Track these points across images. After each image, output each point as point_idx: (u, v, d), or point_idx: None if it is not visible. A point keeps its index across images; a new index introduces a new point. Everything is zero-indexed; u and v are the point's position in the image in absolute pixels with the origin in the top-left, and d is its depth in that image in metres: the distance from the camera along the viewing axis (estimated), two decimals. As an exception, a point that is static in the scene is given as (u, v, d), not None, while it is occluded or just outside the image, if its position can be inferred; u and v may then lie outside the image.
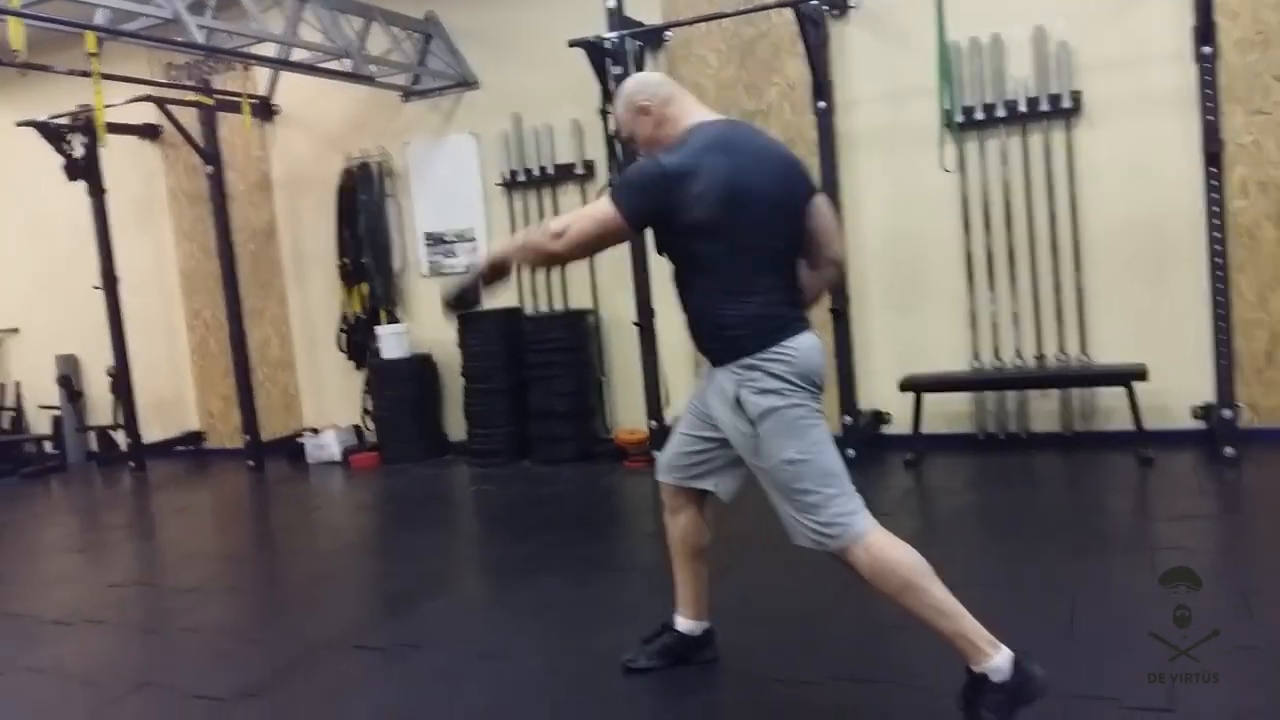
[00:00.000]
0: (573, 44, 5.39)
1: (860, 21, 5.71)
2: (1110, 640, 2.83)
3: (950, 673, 2.39)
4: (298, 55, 5.95)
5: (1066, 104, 5.26)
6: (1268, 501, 4.33)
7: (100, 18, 4.70)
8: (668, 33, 6.03)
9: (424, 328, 6.91)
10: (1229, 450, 4.72)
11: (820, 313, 5.77)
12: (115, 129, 7.16)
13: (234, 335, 7.05)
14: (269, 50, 5.91)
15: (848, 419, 5.41)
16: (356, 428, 7.13)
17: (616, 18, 5.63)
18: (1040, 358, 5.46)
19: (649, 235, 2.56)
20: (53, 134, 6.93)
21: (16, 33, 4.02)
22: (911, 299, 5.73)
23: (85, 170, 7.10)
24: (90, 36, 4.57)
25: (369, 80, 6.26)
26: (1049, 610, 3.09)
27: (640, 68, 5.87)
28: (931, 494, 4.87)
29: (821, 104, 5.36)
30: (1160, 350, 5.19)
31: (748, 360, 2.41)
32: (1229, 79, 5.00)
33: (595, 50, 5.40)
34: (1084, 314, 5.38)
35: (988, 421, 5.65)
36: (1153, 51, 5.11)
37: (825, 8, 5.62)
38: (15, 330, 8.39)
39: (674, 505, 2.80)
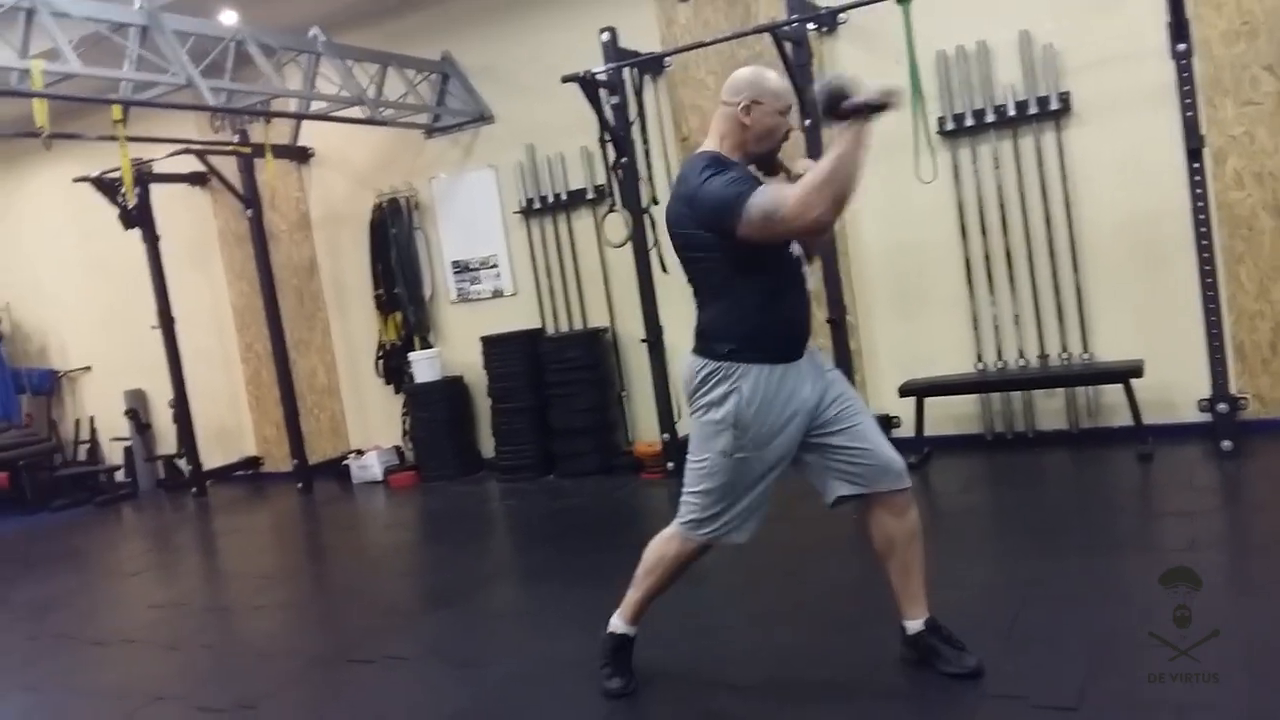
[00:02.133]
0: (566, 79, 5.62)
1: (850, 37, 5.83)
2: (1042, 640, 2.92)
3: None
4: (320, 104, 6.33)
5: (1055, 105, 5.31)
6: (1258, 496, 4.32)
7: (124, 86, 5.11)
8: (668, 59, 6.22)
9: (455, 351, 7.23)
10: (1226, 444, 4.71)
11: (818, 322, 5.95)
12: (167, 178, 7.69)
13: (279, 366, 7.48)
14: (291, 101, 6.30)
15: (849, 426, 5.51)
16: (397, 448, 7.49)
17: (611, 50, 5.87)
18: (1043, 357, 5.50)
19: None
20: (107, 187, 7.44)
21: (40, 111, 4.43)
22: (914, 305, 5.82)
23: (139, 218, 7.61)
24: (115, 108, 4.96)
25: (383, 123, 6.58)
26: (994, 609, 3.20)
27: (639, 95, 6.10)
28: (928, 495, 4.95)
29: (807, 121, 5.49)
30: (1164, 345, 5.19)
31: None
32: (1216, 71, 5.00)
33: (588, 84, 5.63)
34: (1084, 312, 5.41)
35: (995, 422, 5.70)
36: (1139, 48, 5.11)
37: (812, 26, 5.76)
38: (88, 368, 9.00)
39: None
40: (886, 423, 5.89)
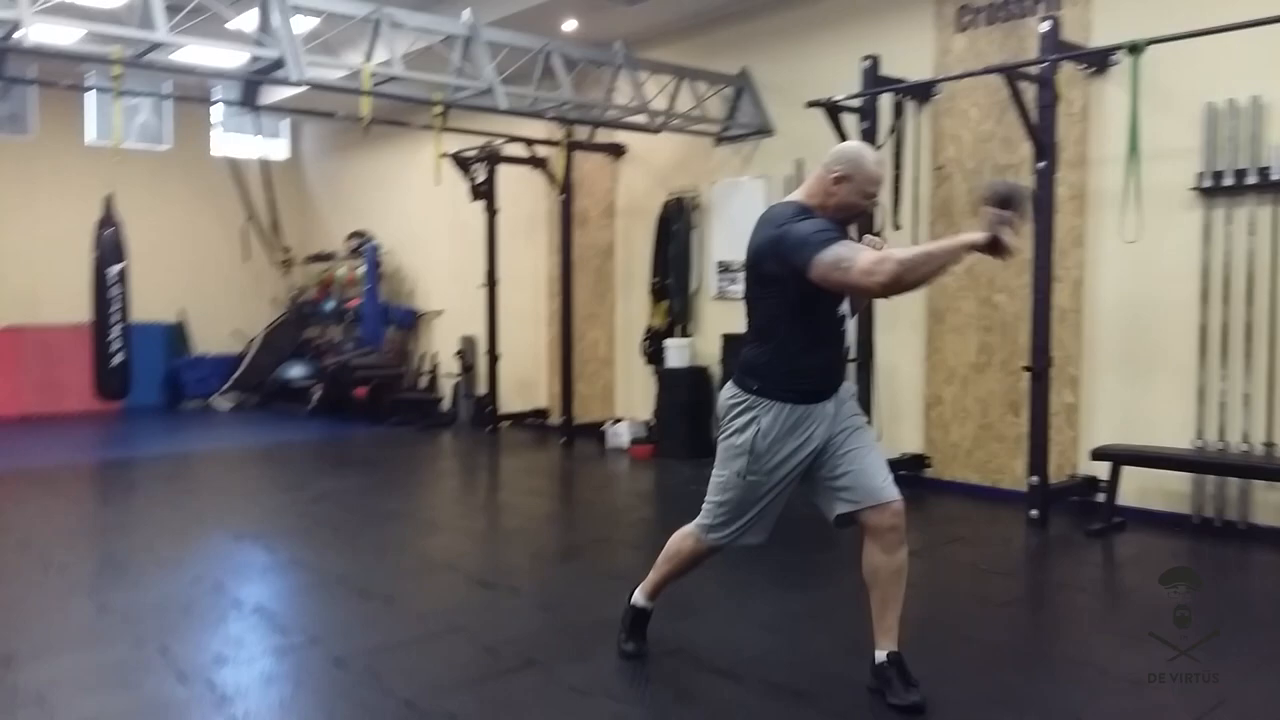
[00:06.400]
0: (810, 104, 5.96)
1: (1119, 79, 5.59)
2: (1002, 707, 2.98)
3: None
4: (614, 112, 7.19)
5: (1328, 173, 4.79)
6: None
7: (448, 90, 6.27)
8: (937, 87, 6.32)
9: (707, 343, 7.84)
10: None
11: (1009, 372, 5.85)
12: (509, 160, 8.98)
13: (564, 333, 8.55)
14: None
15: (1034, 479, 5.37)
16: (647, 422, 8.26)
17: (870, 77, 6.11)
18: (1269, 445, 5.01)
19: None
20: (462, 163, 8.91)
21: (366, 105, 5.65)
22: (1140, 366, 5.51)
23: (485, 192, 9.02)
24: (436, 107, 6.15)
25: (657, 131, 7.27)
26: (997, 674, 3.25)
27: (898, 121, 6.28)
28: (1094, 567, 4.77)
29: (1041, 164, 5.37)
30: None
31: None
32: None
33: (832, 109, 5.92)
34: (1327, 404, 4.86)
35: (1206, 505, 5.27)
36: None
37: (1083, 67, 5.60)
38: (441, 312, 10.73)
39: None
40: (1091, 485, 5.63)
